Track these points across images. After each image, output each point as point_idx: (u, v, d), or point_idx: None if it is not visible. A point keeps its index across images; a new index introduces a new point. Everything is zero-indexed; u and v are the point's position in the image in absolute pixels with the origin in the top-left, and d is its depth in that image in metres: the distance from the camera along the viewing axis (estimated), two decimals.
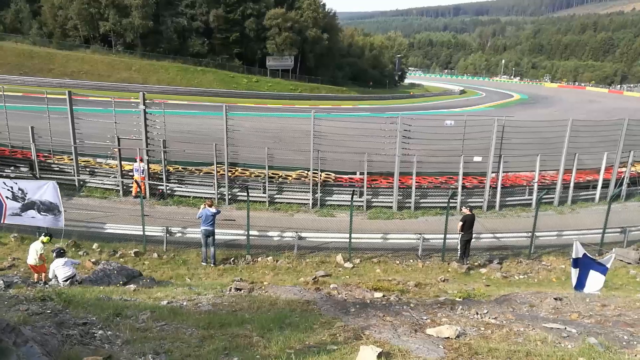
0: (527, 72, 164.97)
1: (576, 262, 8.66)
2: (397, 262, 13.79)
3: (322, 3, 75.26)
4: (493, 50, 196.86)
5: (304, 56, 69.52)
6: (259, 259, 13.26)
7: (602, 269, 8.40)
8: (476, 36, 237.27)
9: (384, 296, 7.32)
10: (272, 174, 18.69)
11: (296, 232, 13.88)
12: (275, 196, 18.18)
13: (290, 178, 19.03)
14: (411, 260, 13.92)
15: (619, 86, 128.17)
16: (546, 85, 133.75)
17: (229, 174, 18.29)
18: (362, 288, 8.60)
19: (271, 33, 65.63)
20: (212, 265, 12.65)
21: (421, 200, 18.92)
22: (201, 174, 19.02)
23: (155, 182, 18.16)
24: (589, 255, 8.85)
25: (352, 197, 13.98)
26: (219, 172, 18.00)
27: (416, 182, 18.56)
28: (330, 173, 19.48)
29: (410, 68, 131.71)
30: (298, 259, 13.37)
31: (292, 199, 18.31)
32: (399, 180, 18.47)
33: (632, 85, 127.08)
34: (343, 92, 70.61)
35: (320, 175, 18.38)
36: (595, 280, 8.34)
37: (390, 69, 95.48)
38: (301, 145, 19.11)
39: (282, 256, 13.48)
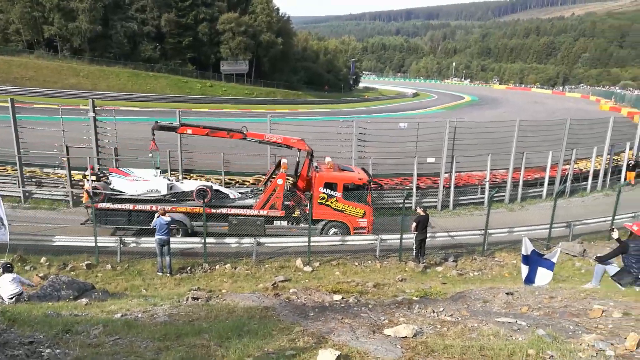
0: (477, 74, 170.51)
1: (526, 259, 9.02)
2: (356, 263, 13.91)
3: (275, 7, 75.29)
4: (444, 53, 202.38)
5: (258, 60, 69.23)
6: (217, 266, 13.07)
7: (549, 264, 8.77)
8: (427, 40, 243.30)
9: (343, 298, 7.38)
10: (229, 179, 18.49)
11: (254, 237, 13.78)
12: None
13: (247, 184, 18.89)
14: (369, 261, 14.08)
15: (561, 87, 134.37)
16: (495, 87, 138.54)
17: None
18: (322, 291, 8.63)
19: (225, 37, 65.01)
20: (168, 274, 12.35)
21: (378, 202, 19.15)
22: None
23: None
24: (537, 251, 9.22)
25: (310, 201, 13.99)
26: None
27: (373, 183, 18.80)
28: (289, 177, 19.46)
29: (364, 72, 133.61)
30: (257, 265, 13.26)
31: None
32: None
33: (573, 86, 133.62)
34: (299, 96, 70.79)
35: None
36: (543, 275, 8.71)
37: (344, 73, 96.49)
38: (258, 150, 18.99)
39: (240, 263, 13.33)
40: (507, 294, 6.59)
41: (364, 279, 11.25)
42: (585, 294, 6.28)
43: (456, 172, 19.85)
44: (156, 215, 12.51)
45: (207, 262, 13.17)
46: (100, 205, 13.85)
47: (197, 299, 7.83)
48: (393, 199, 19.20)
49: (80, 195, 17.29)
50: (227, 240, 13.84)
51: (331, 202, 14.62)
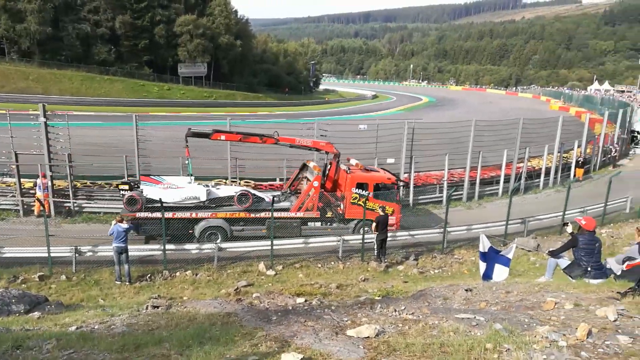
0: (434, 76, 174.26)
1: (483, 256, 9.28)
2: (320, 265, 13.93)
3: (234, 10, 74.68)
4: (402, 55, 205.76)
5: (217, 63, 68.40)
6: (178, 273, 12.81)
7: (505, 260, 9.05)
8: (385, 42, 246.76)
9: (306, 301, 7.37)
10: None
11: (215, 243, 13.59)
12: None
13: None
14: (333, 263, 14.14)
15: (514, 88, 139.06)
16: (451, 88, 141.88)
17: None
18: (285, 294, 8.59)
19: (182, 40, 63.92)
20: (127, 283, 12.01)
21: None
22: (112, 188, 18.05)
23: (61, 200, 16.96)
24: (494, 248, 9.50)
25: (272, 204, 13.92)
26: None
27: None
28: (250, 181, 19.32)
29: (324, 74, 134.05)
30: (219, 271, 13.08)
31: None
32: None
33: (525, 87, 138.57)
34: (259, 98, 70.39)
35: (240, 184, 18.17)
36: (500, 272, 8.98)
37: (305, 75, 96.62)
38: (218, 154, 18.77)
39: (201, 269, 13.11)
40: (466, 290, 6.76)
41: (327, 281, 11.27)
42: (539, 288, 6.51)
43: (415, 172, 20.22)
44: (113, 222, 12.15)
45: (167, 269, 12.88)
46: (139, 214, 13.78)
47: (157, 307, 7.65)
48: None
49: (32, 204, 16.63)
50: (188, 246, 13.59)
51: (363, 202, 14.94)
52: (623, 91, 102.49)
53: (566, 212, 17.11)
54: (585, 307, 5.13)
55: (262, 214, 14.72)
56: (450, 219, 15.66)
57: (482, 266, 9.28)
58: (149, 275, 12.63)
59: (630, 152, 35.37)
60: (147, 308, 7.62)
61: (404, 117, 26.10)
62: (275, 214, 14.43)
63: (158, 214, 13.50)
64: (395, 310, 5.65)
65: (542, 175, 24.06)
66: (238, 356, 4.37)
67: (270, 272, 13.05)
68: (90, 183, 18.41)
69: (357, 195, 15.19)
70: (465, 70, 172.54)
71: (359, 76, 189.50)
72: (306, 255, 14.45)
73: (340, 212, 15.37)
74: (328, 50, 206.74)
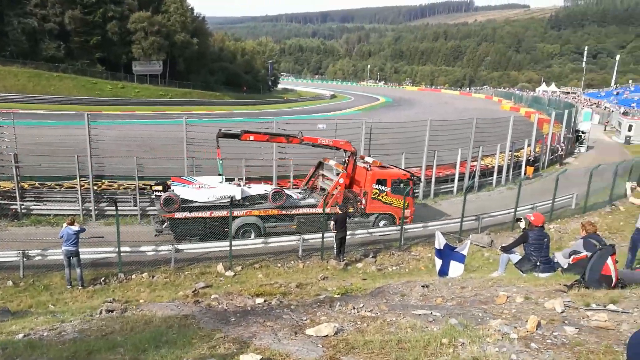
0: (391, 76, 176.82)
1: (439, 252, 9.50)
2: (279, 265, 13.90)
3: (190, 7, 73.21)
4: (359, 56, 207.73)
5: (173, 61, 66.95)
6: (133, 276, 12.48)
7: (460, 257, 9.30)
8: (343, 42, 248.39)
9: (265, 301, 7.34)
10: (144, 184, 17.68)
11: (172, 244, 13.32)
12: (148, 208, 17.23)
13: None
14: (292, 262, 14.13)
15: (468, 89, 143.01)
16: (408, 88, 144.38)
17: (95, 188, 16.97)
18: (244, 295, 8.52)
19: (137, 37, 62.08)
20: (79, 287, 11.60)
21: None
22: (62, 189, 17.39)
23: (7, 202, 16.19)
24: (449, 244, 9.74)
25: (231, 204, 13.76)
26: (83, 186, 16.62)
27: (294, 185, 18.89)
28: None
29: (282, 73, 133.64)
30: (176, 273, 12.83)
31: None
32: (278, 184, 18.64)
33: (478, 87, 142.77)
34: (216, 97, 69.39)
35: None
36: (455, 268, 9.21)
37: (263, 74, 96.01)
38: (174, 153, 18.38)
39: (158, 271, 12.82)
40: (423, 286, 6.90)
41: (287, 280, 11.26)
42: (492, 282, 6.73)
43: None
44: (64, 224, 11.70)
45: (122, 271, 12.53)
46: (177, 215, 14.19)
47: (112, 311, 7.42)
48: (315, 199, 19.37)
49: None
50: (144, 248, 13.25)
51: (382, 197, 16.34)
52: (568, 92, 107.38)
53: (518, 209, 17.75)
54: (534, 300, 5.34)
55: (295, 211, 15.77)
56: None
57: (438, 263, 9.49)
58: (103, 278, 12.24)
59: (575, 151, 37.10)
60: (100, 312, 7.38)
61: (362, 117, 26.38)
62: (305, 210, 15.68)
63: (195, 214, 14.34)
64: (354, 308, 5.71)
65: (495, 174, 24.89)
66: (196, 359, 4.30)
67: (229, 273, 12.92)
68: (39, 184, 17.65)
69: (377, 191, 16.37)
70: (421, 71, 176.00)
71: (317, 76, 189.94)
72: (266, 255, 14.38)
73: (362, 207, 16.37)
74: (286, 49, 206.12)
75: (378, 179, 16.41)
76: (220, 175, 15.76)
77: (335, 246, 14.19)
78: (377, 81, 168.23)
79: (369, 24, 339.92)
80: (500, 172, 25.19)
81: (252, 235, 15.01)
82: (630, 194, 10.40)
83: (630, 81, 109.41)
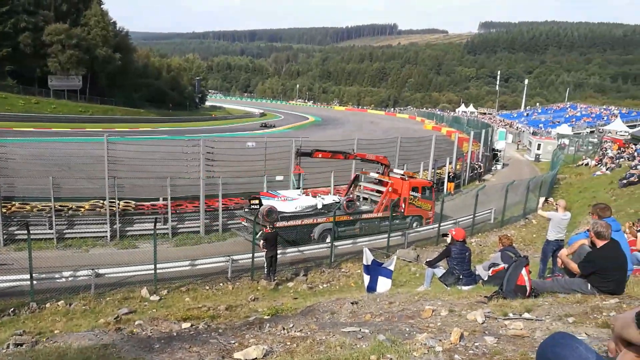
0: (319, 96, 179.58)
1: (367, 269, 9.67)
2: (207, 287, 13.50)
3: (112, 21, 70.62)
4: (288, 75, 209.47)
5: (94, 76, 63.89)
6: (48, 304, 11.58)
7: (387, 272, 9.52)
8: (272, 61, 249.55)
9: (192, 325, 7.08)
10: (60, 206, 16.62)
11: (92, 269, 12.56)
12: (65, 231, 16.20)
13: (83, 210, 17.18)
14: (221, 284, 13.78)
15: (392, 109, 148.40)
16: (335, 108, 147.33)
17: (4, 211, 15.70)
18: (170, 320, 8.16)
19: (53, 50, 58.62)
20: None
21: (229, 222, 18.95)
22: None
23: None
24: (377, 260, 9.95)
25: (155, 225, 13.24)
26: None
27: (223, 204, 18.55)
28: (130, 201, 18.21)
29: (210, 91, 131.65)
30: (96, 299, 12.07)
31: (86, 232, 16.56)
32: (205, 203, 18.23)
33: (402, 108, 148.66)
34: (140, 114, 66.96)
35: (119, 204, 17.04)
36: (383, 283, 9.41)
37: (190, 91, 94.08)
38: (94, 173, 17.47)
39: (76, 298, 12.00)
40: (352, 303, 6.97)
41: (216, 303, 10.95)
42: (419, 297, 6.93)
43: (303, 188, 20.57)
44: None
45: (34, 300, 11.59)
46: (278, 224, 15.66)
47: (21, 344, 6.81)
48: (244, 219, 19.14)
49: None
50: (59, 274, 12.37)
51: (415, 202, 19.48)
52: (485, 113, 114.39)
53: (441, 224, 18.53)
54: (458, 312, 5.56)
55: (363, 216, 18.51)
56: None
57: (367, 279, 9.65)
58: (11, 309, 11.24)
59: (493, 168, 39.49)
60: (7, 347, 6.75)
61: (291, 136, 26.54)
62: (364, 216, 18.46)
63: (292, 222, 16.52)
64: (284, 329, 5.65)
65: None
66: None
67: (155, 298, 12.35)
68: None
69: (412, 197, 19.45)
70: (348, 91, 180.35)
71: (246, 94, 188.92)
72: (193, 277, 13.91)
73: (401, 211, 19.08)
74: (214, 66, 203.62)
75: (413, 186, 19.56)
76: (298, 188, 18.99)
77: (265, 265, 14.04)
78: (306, 100, 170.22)
79: (297, 43, 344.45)
80: None
81: (328, 239, 16.76)
82: (540, 207, 11.21)
83: (537, 104, 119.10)
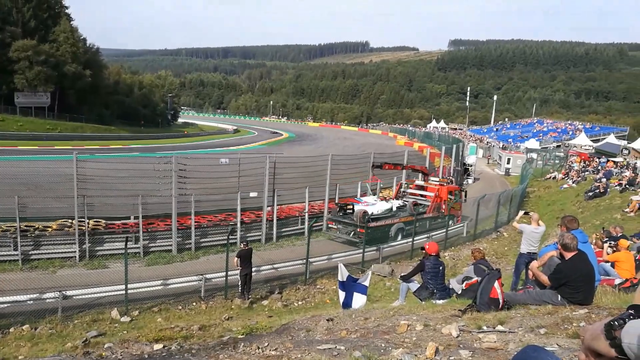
0: (293, 112, 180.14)
1: (342, 285, 9.64)
2: (180, 307, 13.22)
3: (82, 37, 69.67)
4: (262, 92, 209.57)
5: (63, 93, 62.64)
6: (11, 329, 11.13)
7: (362, 288, 9.51)
8: (245, 78, 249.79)
9: (164, 347, 6.89)
10: (26, 226, 16.08)
11: (60, 291, 12.15)
12: (31, 252, 15.67)
13: (50, 230, 16.66)
14: (194, 303, 13.52)
15: (365, 125, 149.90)
16: (309, 124, 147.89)
17: None
18: (141, 342, 7.95)
19: (20, 66, 57.22)
20: None
21: (202, 240, 18.70)
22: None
23: None
24: (352, 276, 9.94)
25: (126, 244, 12.95)
26: None
27: (195, 221, 18.29)
28: (100, 220, 17.77)
29: (183, 107, 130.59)
30: (64, 322, 11.66)
31: (53, 253, 16.03)
32: (178, 221, 17.95)
33: (375, 124, 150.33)
34: (111, 131, 65.88)
35: (88, 223, 16.61)
36: (359, 299, 9.39)
37: (162, 108, 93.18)
38: (63, 191, 17.01)
39: (42, 322, 11.57)
40: (327, 320, 6.91)
41: (189, 323, 10.72)
42: (394, 312, 6.94)
43: (278, 205, 20.49)
44: None
45: None
46: (371, 224, 18.93)
47: None
48: (218, 236, 18.92)
49: None
50: (23, 297, 11.90)
51: (451, 203, 22.70)
52: (455, 129, 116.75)
53: (415, 239, 18.67)
54: (433, 326, 5.58)
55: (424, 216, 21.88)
56: (312, 249, 16.06)
57: (342, 295, 9.62)
58: None
59: (464, 183, 40.10)
60: None
61: (265, 152, 26.49)
62: (420, 216, 21.22)
63: (381, 222, 20.02)
64: (259, 348, 5.55)
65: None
66: None
67: (125, 319, 12.01)
68: None
69: (450, 199, 22.85)
70: (322, 107, 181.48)
71: (219, 110, 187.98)
72: (165, 297, 13.61)
73: (442, 211, 22.41)
74: (187, 83, 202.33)
75: (450, 190, 23.36)
76: (374, 195, 23.05)
77: (240, 284, 13.84)
78: (280, 117, 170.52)
79: (270, 61, 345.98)
80: None
81: (400, 237, 20.05)
82: (517, 218, 11.35)
83: (506, 119, 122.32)
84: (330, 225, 21.01)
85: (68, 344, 9.83)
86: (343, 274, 9.61)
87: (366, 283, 9.62)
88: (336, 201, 21.76)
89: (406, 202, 22.35)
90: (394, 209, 21.28)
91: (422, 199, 23.24)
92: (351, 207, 20.32)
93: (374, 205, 20.77)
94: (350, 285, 9.50)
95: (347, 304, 9.38)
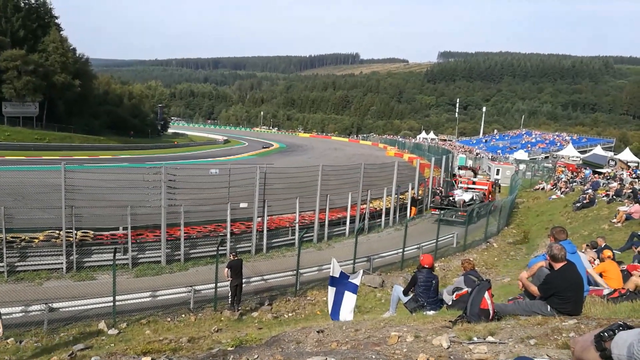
0: (284, 123, 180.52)
1: (333, 281, 9.56)
2: (169, 319, 13.07)
3: (71, 47, 69.35)
4: (252, 102, 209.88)
5: (52, 103, 62.10)
6: None
7: (353, 287, 9.46)
8: (236, 89, 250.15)
9: (153, 359, 6.81)
10: (12, 237, 15.85)
11: (46, 303, 11.96)
12: (17, 264, 15.42)
13: (36, 241, 16.44)
14: (183, 315, 13.38)
15: (355, 136, 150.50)
16: (300, 135, 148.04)
17: None
18: (129, 355, 7.86)
19: (8, 76, 56.66)
20: None
21: (191, 251, 18.54)
22: None
23: None
24: (345, 272, 9.87)
25: (114, 255, 12.79)
26: None
27: (185, 232, 18.14)
28: (88, 231, 17.58)
29: (173, 117, 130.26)
30: (50, 335, 11.47)
31: (40, 264, 15.77)
32: (167, 232, 17.79)
33: (365, 135, 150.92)
34: (100, 141, 65.37)
35: (76, 234, 16.41)
36: (349, 298, 9.31)
37: (152, 118, 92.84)
38: (51, 202, 16.82)
39: (28, 335, 11.37)
40: (318, 332, 6.87)
41: (178, 335, 10.61)
42: (384, 323, 6.91)
43: (268, 215, 20.42)
44: None
45: None
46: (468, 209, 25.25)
47: None
48: (207, 247, 18.78)
49: None
50: (9, 309, 11.66)
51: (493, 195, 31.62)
52: (445, 140, 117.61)
53: (405, 249, 18.69)
54: (423, 337, 5.56)
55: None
56: (302, 260, 16.00)
57: (331, 292, 9.51)
58: None
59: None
60: None
61: (256, 162, 26.48)
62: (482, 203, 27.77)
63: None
64: None
65: (383, 216, 26.11)
66: None
67: (113, 331, 11.85)
68: None
69: (492, 190, 32.17)
70: (312, 118, 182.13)
71: (210, 121, 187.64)
72: (154, 309, 13.45)
73: (488, 200, 29.81)
74: (177, 93, 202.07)
75: (492, 184, 33.56)
76: (460, 188, 31.19)
77: (230, 295, 13.73)
78: (271, 127, 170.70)
79: (260, 71, 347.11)
80: (387, 214, 26.50)
81: (475, 218, 25.23)
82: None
83: (495, 130, 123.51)
84: (433, 212, 27.98)
85: (54, 357, 9.69)
86: (335, 269, 9.52)
87: (357, 282, 9.57)
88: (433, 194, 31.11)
89: (473, 193, 29.61)
90: (475, 198, 28.77)
91: (475, 191, 30.67)
92: (452, 197, 28.57)
93: (466, 194, 28.91)
94: (342, 282, 9.42)
95: (335, 312, 9.32)
